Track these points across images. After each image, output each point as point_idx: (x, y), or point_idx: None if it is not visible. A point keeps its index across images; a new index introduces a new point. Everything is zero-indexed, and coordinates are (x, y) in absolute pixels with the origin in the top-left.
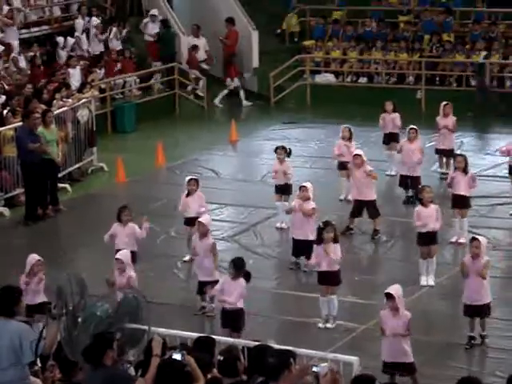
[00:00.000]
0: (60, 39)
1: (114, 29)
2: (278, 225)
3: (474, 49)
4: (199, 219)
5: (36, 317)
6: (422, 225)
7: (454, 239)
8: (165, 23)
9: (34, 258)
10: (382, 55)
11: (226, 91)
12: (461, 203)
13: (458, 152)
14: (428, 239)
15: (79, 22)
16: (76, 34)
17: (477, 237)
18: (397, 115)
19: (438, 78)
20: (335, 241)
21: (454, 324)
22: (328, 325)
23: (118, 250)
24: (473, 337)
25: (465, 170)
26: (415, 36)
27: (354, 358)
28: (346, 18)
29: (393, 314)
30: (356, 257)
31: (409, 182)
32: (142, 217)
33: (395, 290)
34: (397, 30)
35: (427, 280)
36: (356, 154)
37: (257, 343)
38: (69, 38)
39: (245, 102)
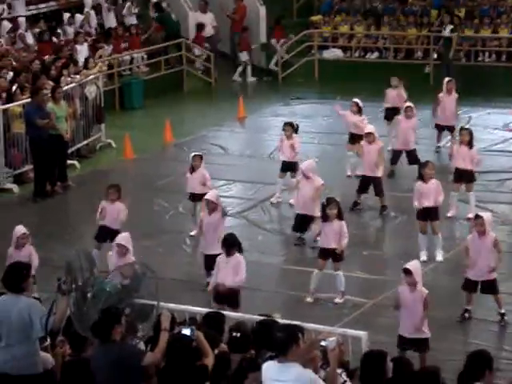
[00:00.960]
0: (66, 15)
1: (128, 3)
2: (273, 199)
3: (482, 23)
4: (205, 196)
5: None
6: (419, 204)
7: (450, 214)
8: (157, 7)
9: (19, 230)
10: (389, 30)
11: (241, 67)
12: (466, 177)
13: (466, 126)
14: (428, 214)
15: None
16: (86, 9)
17: (480, 214)
18: (402, 89)
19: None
20: (340, 217)
21: (460, 299)
22: (337, 300)
23: (104, 227)
24: (468, 310)
25: (469, 144)
26: (423, 10)
27: (362, 333)
28: None
29: (410, 289)
30: (364, 232)
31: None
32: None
33: (413, 265)
34: (405, 4)
35: (436, 255)
36: (368, 132)
37: (262, 317)
38: (77, 15)
39: (250, 78)
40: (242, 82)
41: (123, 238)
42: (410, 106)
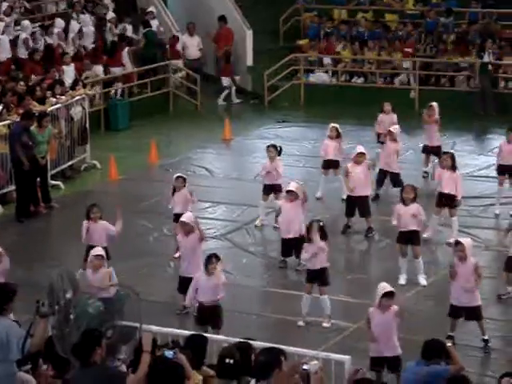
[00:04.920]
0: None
1: (126, 25)
2: (258, 222)
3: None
4: (181, 218)
5: None
6: (400, 224)
7: (426, 235)
8: (145, 24)
9: None
10: (375, 55)
11: (227, 91)
12: (449, 202)
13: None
14: (408, 238)
15: (83, 17)
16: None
17: (460, 240)
18: (394, 116)
19: (433, 79)
20: (323, 238)
21: (443, 324)
22: (324, 324)
23: (91, 247)
24: (452, 336)
25: (452, 168)
26: (408, 36)
27: (345, 357)
28: (345, 17)
29: (381, 310)
30: (348, 256)
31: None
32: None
33: (389, 287)
34: (391, 29)
35: (420, 280)
36: (360, 152)
37: (239, 340)
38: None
39: (234, 99)
40: (226, 105)
41: (100, 250)
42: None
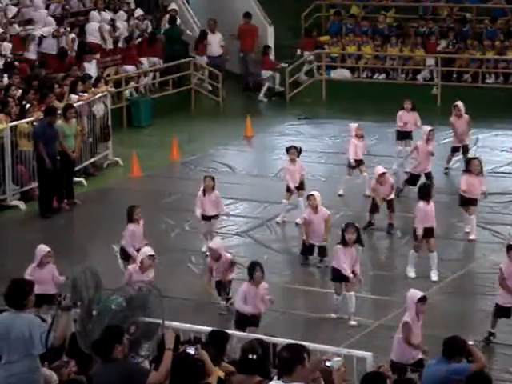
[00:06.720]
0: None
1: (148, 22)
2: (279, 219)
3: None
4: (210, 245)
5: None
6: (427, 224)
7: (472, 236)
8: (172, 20)
9: (43, 249)
10: (397, 51)
11: (266, 84)
12: (471, 203)
13: (473, 150)
14: (425, 233)
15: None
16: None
17: None
18: (416, 114)
19: (454, 75)
20: (359, 242)
21: (465, 320)
22: (352, 322)
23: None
24: (493, 333)
25: (481, 173)
26: (430, 32)
27: (367, 354)
28: (363, 13)
29: (417, 317)
30: (371, 252)
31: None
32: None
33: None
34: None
35: (431, 275)
36: (382, 173)
37: (258, 337)
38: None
39: (261, 97)
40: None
41: (150, 249)
42: (432, 130)
